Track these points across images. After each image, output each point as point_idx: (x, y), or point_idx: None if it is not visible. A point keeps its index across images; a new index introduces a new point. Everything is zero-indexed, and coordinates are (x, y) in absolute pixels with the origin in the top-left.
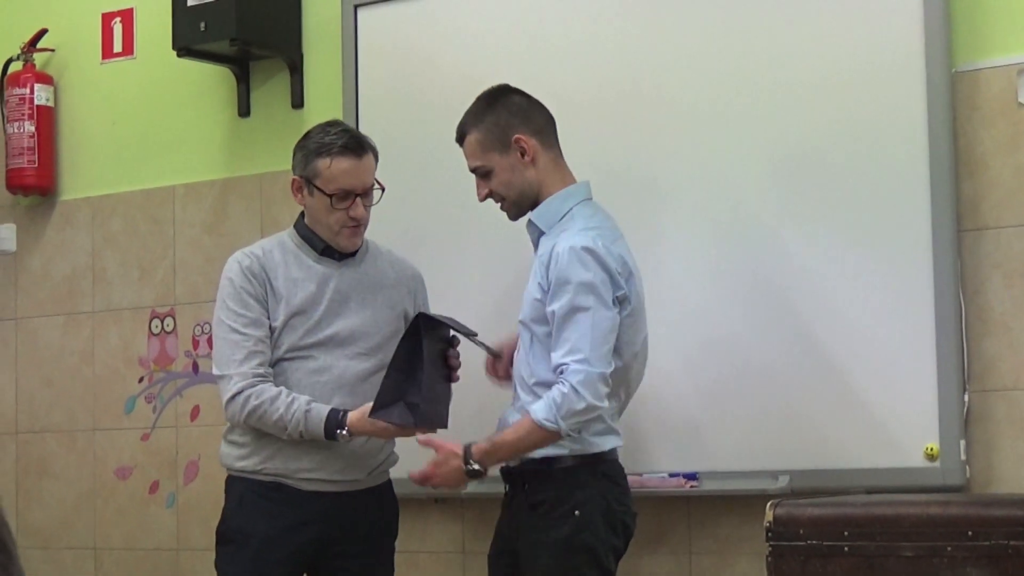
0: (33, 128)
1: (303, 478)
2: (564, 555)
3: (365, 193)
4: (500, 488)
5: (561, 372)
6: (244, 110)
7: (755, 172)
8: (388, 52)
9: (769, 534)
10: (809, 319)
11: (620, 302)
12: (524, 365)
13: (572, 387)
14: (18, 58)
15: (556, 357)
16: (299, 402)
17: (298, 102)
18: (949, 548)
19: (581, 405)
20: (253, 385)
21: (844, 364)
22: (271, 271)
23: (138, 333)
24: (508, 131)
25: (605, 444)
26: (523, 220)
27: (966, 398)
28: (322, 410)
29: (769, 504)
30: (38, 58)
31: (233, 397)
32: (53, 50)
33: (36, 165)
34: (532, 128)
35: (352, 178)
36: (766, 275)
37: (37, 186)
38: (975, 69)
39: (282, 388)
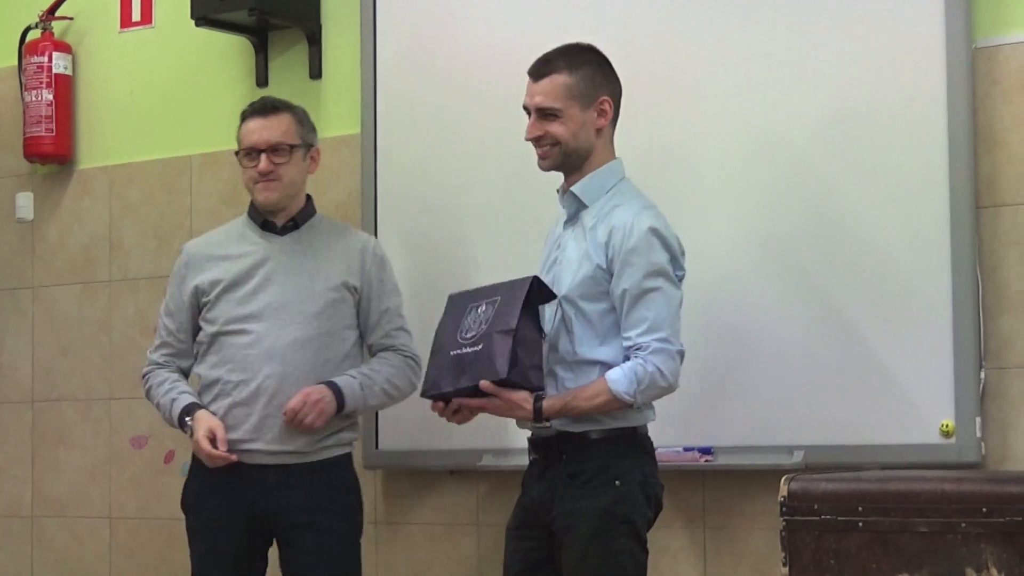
0: (51, 96)
1: (244, 450)
2: (605, 523)
3: (272, 149)
4: (515, 461)
5: (639, 349)
6: (262, 80)
7: (769, 151)
8: (406, 23)
9: (783, 509)
10: (825, 295)
11: (679, 281)
12: (564, 342)
13: (656, 367)
14: (36, 26)
15: (634, 335)
16: (172, 392)
17: (316, 72)
18: (964, 524)
19: (663, 384)
20: (152, 371)
21: (860, 340)
22: (204, 253)
23: (155, 303)
24: (600, 89)
25: (644, 419)
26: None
27: (982, 375)
28: (182, 402)
29: (784, 479)
30: (56, 26)
31: (141, 378)
32: (71, 18)
33: (54, 134)
34: (615, 97)
35: (255, 135)
36: (780, 252)
37: (55, 155)
38: (995, 45)
39: (169, 376)
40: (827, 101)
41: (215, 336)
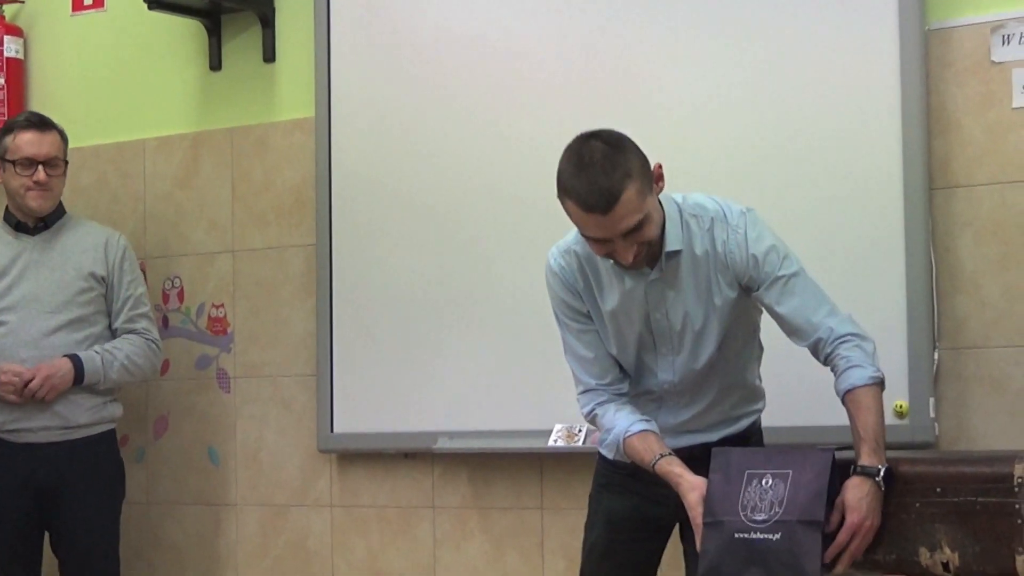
0: (2, 81)
1: (13, 429)
2: None
3: (48, 162)
4: (470, 444)
5: (833, 330)
6: (215, 63)
7: (725, 132)
8: (361, 6)
9: None
10: None
11: None
12: (733, 371)
13: (865, 337)
14: None
15: (821, 314)
16: None
17: (270, 56)
18: (918, 504)
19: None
20: None
21: None
22: None
23: None
24: (646, 161)
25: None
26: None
27: (936, 356)
28: None
29: None
30: (8, 10)
31: None
32: (23, 2)
33: (5, 118)
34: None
35: (34, 147)
36: None
37: None
38: (948, 27)
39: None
40: (779, 83)
41: None
